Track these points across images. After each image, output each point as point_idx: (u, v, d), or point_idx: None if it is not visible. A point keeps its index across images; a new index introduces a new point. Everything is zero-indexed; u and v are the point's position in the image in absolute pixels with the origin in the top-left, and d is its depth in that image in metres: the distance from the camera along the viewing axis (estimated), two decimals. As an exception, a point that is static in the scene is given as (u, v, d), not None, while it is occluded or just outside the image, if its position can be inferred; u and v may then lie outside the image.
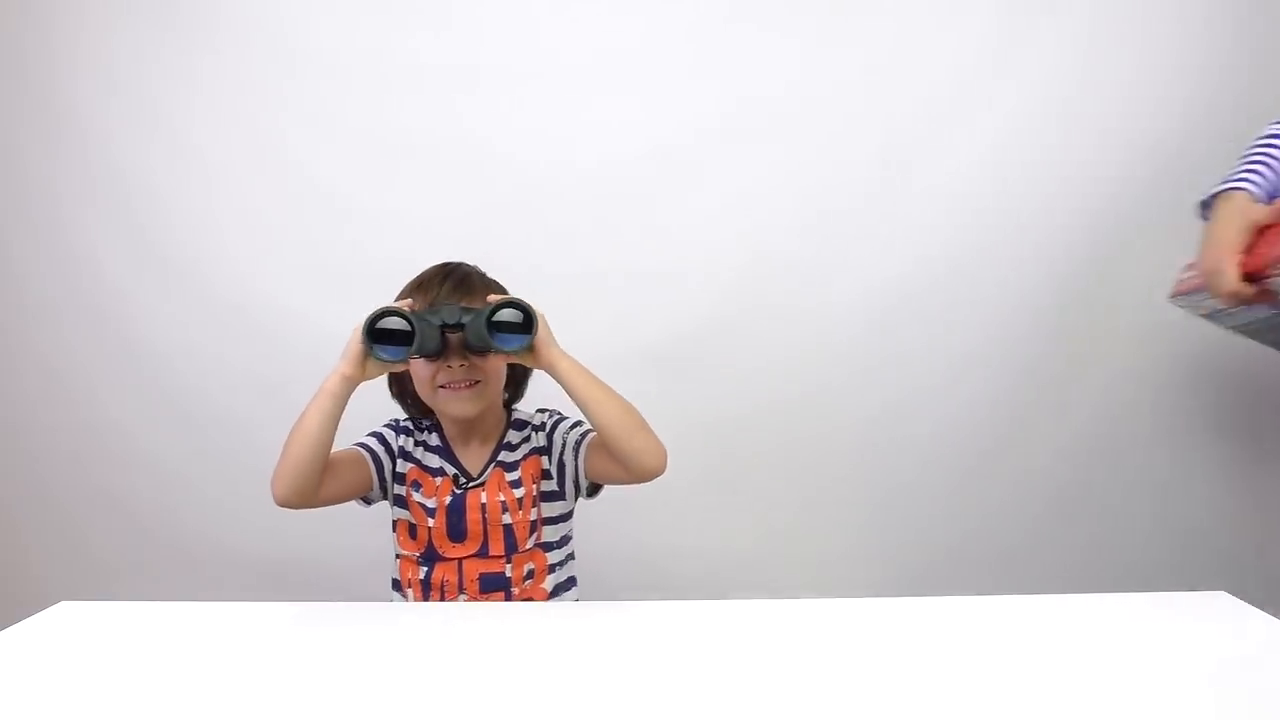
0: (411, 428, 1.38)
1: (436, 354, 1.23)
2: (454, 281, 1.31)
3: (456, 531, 1.30)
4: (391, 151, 1.75)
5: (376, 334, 1.16)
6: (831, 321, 1.74)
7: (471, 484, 1.32)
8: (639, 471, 1.19)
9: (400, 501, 1.34)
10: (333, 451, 1.26)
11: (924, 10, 1.70)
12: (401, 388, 1.36)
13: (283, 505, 1.22)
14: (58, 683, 0.81)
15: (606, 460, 1.26)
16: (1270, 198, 1.21)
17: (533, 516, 1.32)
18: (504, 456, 1.35)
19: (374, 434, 1.37)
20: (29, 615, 0.98)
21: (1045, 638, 0.90)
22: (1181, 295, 1.32)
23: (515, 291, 1.29)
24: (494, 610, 1.09)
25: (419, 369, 1.28)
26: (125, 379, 1.82)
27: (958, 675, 0.80)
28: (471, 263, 1.38)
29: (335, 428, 1.22)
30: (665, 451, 1.19)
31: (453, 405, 1.30)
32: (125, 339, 1.81)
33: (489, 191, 1.75)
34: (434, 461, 1.35)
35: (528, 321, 1.18)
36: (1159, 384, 1.72)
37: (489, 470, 1.34)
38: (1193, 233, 1.69)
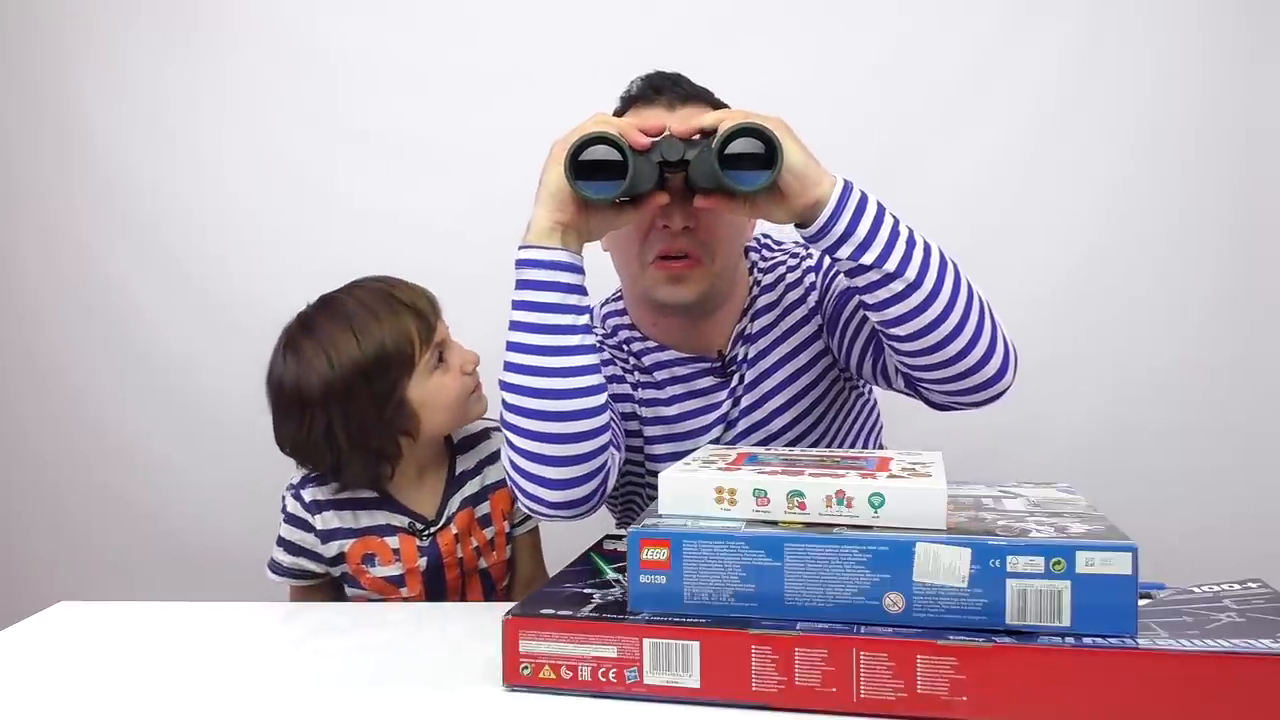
0: (318, 499, 1.12)
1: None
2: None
3: (436, 593, 1.14)
4: (394, 153, 1.75)
5: (578, 167, 0.85)
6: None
7: (434, 528, 1.13)
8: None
9: (351, 581, 1.14)
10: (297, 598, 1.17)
11: (930, 10, 1.69)
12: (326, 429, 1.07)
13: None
14: (58, 683, 0.81)
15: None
16: None
17: (507, 555, 1.20)
18: (469, 489, 1.16)
19: (280, 545, 1.14)
20: (29, 615, 0.98)
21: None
22: None
23: None
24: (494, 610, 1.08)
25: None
26: (126, 379, 1.82)
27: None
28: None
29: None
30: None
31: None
32: (126, 339, 1.81)
33: (490, 192, 1.74)
34: (376, 519, 1.13)
35: (769, 152, 0.83)
36: (1164, 380, 1.71)
37: (451, 509, 1.15)
38: (1195, 231, 1.70)
